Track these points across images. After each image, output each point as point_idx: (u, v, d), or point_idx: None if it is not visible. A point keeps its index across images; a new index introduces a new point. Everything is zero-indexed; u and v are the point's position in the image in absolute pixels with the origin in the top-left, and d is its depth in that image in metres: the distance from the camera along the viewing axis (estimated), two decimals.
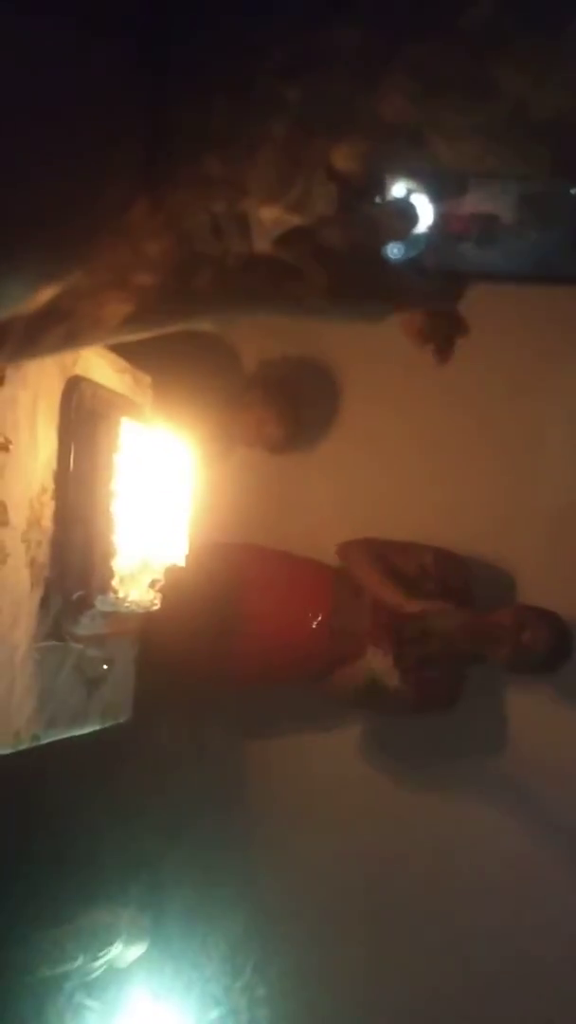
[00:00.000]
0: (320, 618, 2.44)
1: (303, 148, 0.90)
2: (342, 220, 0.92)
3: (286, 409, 2.62)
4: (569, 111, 0.87)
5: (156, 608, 1.96)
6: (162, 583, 1.96)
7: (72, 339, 1.07)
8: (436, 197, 0.91)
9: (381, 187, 0.90)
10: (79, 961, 2.23)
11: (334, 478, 2.78)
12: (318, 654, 2.43)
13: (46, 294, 0.96)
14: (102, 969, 2.27)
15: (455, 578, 2.46)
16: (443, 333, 2.26)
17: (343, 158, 0.90)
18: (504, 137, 0.89)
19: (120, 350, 1.96)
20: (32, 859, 2.27)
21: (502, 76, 0.86)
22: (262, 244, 0.94)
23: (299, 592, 2.49)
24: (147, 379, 2.10)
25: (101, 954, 2.27)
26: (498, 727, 2.64)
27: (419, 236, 0.93)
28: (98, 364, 1.89)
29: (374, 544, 2.49)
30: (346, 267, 0.97)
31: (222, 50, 0.89)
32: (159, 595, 1.96)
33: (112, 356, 1.95)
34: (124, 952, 2.32)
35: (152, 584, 1.96)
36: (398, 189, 0.91)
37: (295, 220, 0.93)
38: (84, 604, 1.87)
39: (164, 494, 1.96)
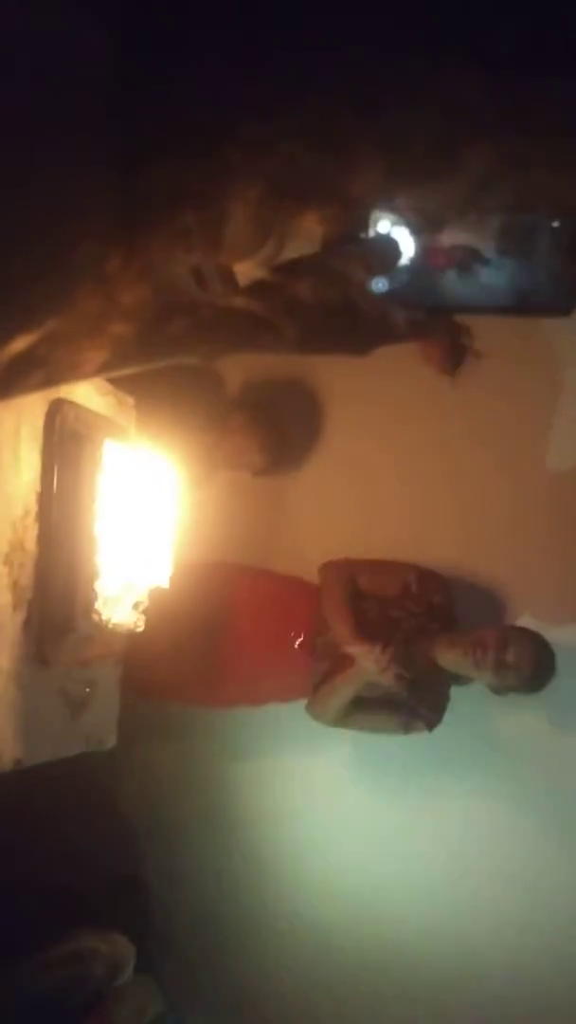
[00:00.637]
0: (302, 637, 2.43)
1: (276, 210, 0.91)
2: (315, 276, 0.94)
3: (269, 435, 2.63)
4: (531, 195, 0.89)
5: (140, 630, 1.95)
6: (146, 605, 1.95)
7: (50, 382, 1.08)
8: (414, 232, 0.92)
9: (354, 242, 0.92)
10: (65, 985, 2.21)
11: (319, 499, 2.79)
12: (301, 673, 2.43)
13: (22, 342, 0.97)
14: (87, 994, 2.25)
15: (438, 597, 2.46)
16: (456, 362, 2.40)
17: (314, 220, 0.92)
18: (466, 211, 0.91)
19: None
20: (16, 883, 2.25)
21: (470, 155, 0.87)
22: (237, 299, 0.96)
23: (281, 610, 2.48)
24: (130, 400, 2.10)
25: (86, 978, 2.25)
26: (485, 744, 2.64)
27: (400, 270, 0.94)
28: (81, 386, 1.89)
29: (352, 566, 2.48)
30: (316, 320, 0.99)
31: (195, 120, 0.91)
32: (143, 616, 1.95)
33: (96, 379, 1.95)
34: (109, 976, 2.30)
35: (136, 606, 1.95)
36: (380, 225, 0.93)
37: (269, 277, 0.94)
38: (68, 626, 1.86)
39: (148, 515, 1.96)
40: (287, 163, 0.89)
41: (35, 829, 2.36)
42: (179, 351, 1.07)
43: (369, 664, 2.27)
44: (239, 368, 2.76)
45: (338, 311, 0.97)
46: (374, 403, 2.74)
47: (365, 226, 0.91)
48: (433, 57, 0.84)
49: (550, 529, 2.65)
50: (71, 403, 1.83)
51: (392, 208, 0.91)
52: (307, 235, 0.92)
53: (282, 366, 2.75)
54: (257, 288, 0.95)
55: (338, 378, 2.76)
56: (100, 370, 1.05)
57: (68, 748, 1.94)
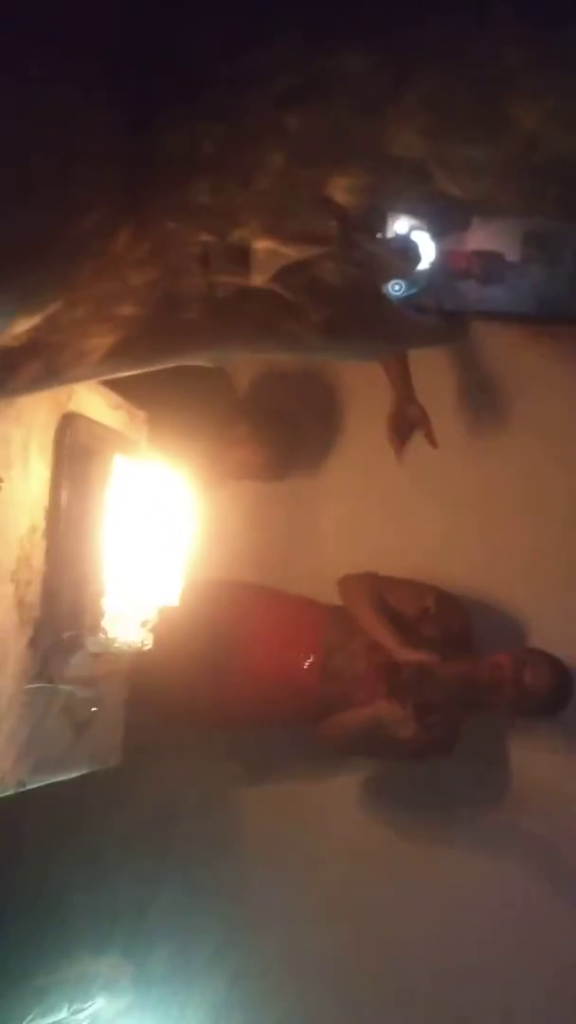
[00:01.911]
0: (312, 659, 2.38)
1: (302, 179, 0.86)
2: (341, 255, 0.88)
3: (277, 446, 2.60)
4: None
5: (147, 648, 1.91)
6: (154, 623, 1.91)
7: (53, 375, 1.03)
8: (439, 234, 0.88)
9: (382, 222, 0.87)
10: (63, 1013, 2.16)
11: (334, 513, 2.75)
12: (311, 695, 2.38)
13: (23, 325, 0.92)
14: (86, 1021, 2.20)
15: (455, 623, 2.42)
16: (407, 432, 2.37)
17: (343, 191, 0.86)
18: (513, 174, 0.85)
19: (114, 385, 1.94)
20: (13, 909, 2.20)
21: (515, 111, 0.82)
22: (257, 278, 0.91)
23: (291, 631, 2.44)
24: (142, 415, 2.08)
25: (85, 1005, 2.20)
26: (498, 771, 2.58)
27: (421, 274, 0.90)
28: (92, 400, 1.86)
29: (376, 580, 2.45)
30: (345, 304, 0.93)
31: (214, 76, 0.85)
32: (151, 635, 1.91)
33: (106, 391, 1.92)
34: (108, 1002, 2.25)
35: (143, 624, 1.92)
36: (400, 226, 0.89)
37: (292, 254, 0.89)
38: (74, 645, 1.83)
39: (158, 532, 1.92)
40: (314, 123, 0.83)
41: (32, 851, 2.32)
42: (192, 345, 1.02)
43: (393, 720, 2.22)
44: (249, 368, 2.73)
45: (365, 296, 0.92)
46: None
47: (398, 197, 0.86)
48: (479, 9, 0.78)
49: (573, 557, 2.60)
50: (82, 417, 1.80)
51: (424, 191, 0.86)
52: (335, 208, 0.86)
53: (295, 368, 2.71)
54: (279, 267, 0.90)
55: (355, 384, 2.72)
56: (106, 360, 1.00)
57: (72, 768, 1.90)
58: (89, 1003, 2.18)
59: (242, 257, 0.90)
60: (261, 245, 0.90)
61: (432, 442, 2.46)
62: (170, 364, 1.07)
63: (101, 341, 0.98)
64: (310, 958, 2.58)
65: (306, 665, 2.39)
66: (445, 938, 2.55)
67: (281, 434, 2.65)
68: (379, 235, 0.89)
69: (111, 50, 0.83)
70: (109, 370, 1.04)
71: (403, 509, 2.70)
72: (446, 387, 2.62)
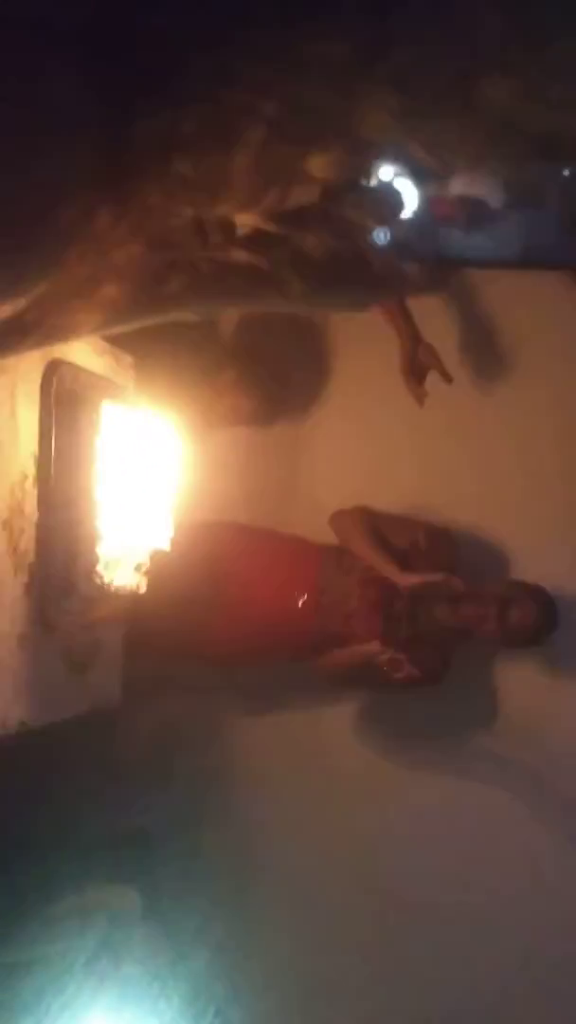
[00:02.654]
0: (307, 596, 2.42)
1: (279, 155, 0.86)
2: (321, 229, 0.89)
3: (263, 393, 2.60)
4: (558, 126, 0.83)
5: (142, 591, 1.94)
6: (148, 566, 1.94)
7: (40, 346, 1.04)
8: (421, 182, 0.88)
9: (360, 190, 0.87)
10: (73, 940, 2.24)
11: (325, 453, 2.76)
12: (306, 632, 2.42)
13: (9, 309, 0.93)
14: (97, 948, 2.28)
15: (444, 555, 2.45)
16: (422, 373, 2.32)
17: (321, 167, 0.87)
18: (490, 149, 0.85)
19: None
20: (21, 841, 2.27)
21: (488, 90, 0.82)
22: (238, 251, 0.91)
23: (285, 570, 2.47)
24: (129, 359, 2.07)
25: (93, 932, 2.28)
26: (488, 697, 2.64)
27: (404, 221, 0.90)
28: (78, 346, 1.86)
29: (368, 513, 2.48)
30: (323, 274, 0.94)
31: (191, 62, 0.85)
32: (145, 578, 1.94)
33: (93, 338, 1.91)
34: (118, 930, 2.33)
35: (138, 567, 1.94)
36: (384, 173, 0.88)
37: (270, 227, 0.90)
38: (69, 589, 1.86)
39: (149, 476, 1.93)
40: (290, 104, 0.84)
41: (42, 785, 2.38)
42: (177, 309, 1.03)
43: (383, 661, 2.26)
44: (234, 315, 2.70)
45: (346, 264, 0.93)
46: (383, 351, 2.66)
47: (373, 172, 0.87)
48: None
49: (563, 489, 2.62)
50: (68, 364, 1.80)
51: (402, 153, 0.86)
52: (312, 183, 0.87)
53: (281, 314, 2.68)
54: (260, 240, 0.91)
55: (344, 324, 2.70)
56: (94, 331, 1.01)
57: (73, 709, 1.95)
58: (98, 930, 2.26)
59: (224, 231, 0.90)
60: (242, 220, 0.90)
61: (446, 378, 2.41)
62: (155, 323, 1.08)
63: (87, 317, 0.98)
64: (310, 882, 2.67)
65: (301, 603, 2.43)
66: (440, 859, 2.64)
67: (269, 380, 2.64)
68: (365, 181, 0.89)
69: (90, 38, 0.82)
70: (97, 333, 1.05)
71: (392, 450, 2.71)
72: (439, 331, 2.59)
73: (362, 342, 2.69)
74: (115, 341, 1.99)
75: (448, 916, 2.61)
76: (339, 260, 0.94)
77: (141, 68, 0.85)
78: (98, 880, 2.32)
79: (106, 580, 1.87)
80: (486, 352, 2.63)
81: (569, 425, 2.63)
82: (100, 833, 2.50)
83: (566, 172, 0.91)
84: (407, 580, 2.33)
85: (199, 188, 0.89)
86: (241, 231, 0.91)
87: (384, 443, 2.72)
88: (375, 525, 2.45)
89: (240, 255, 0.92)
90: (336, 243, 0.93)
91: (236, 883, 2.69)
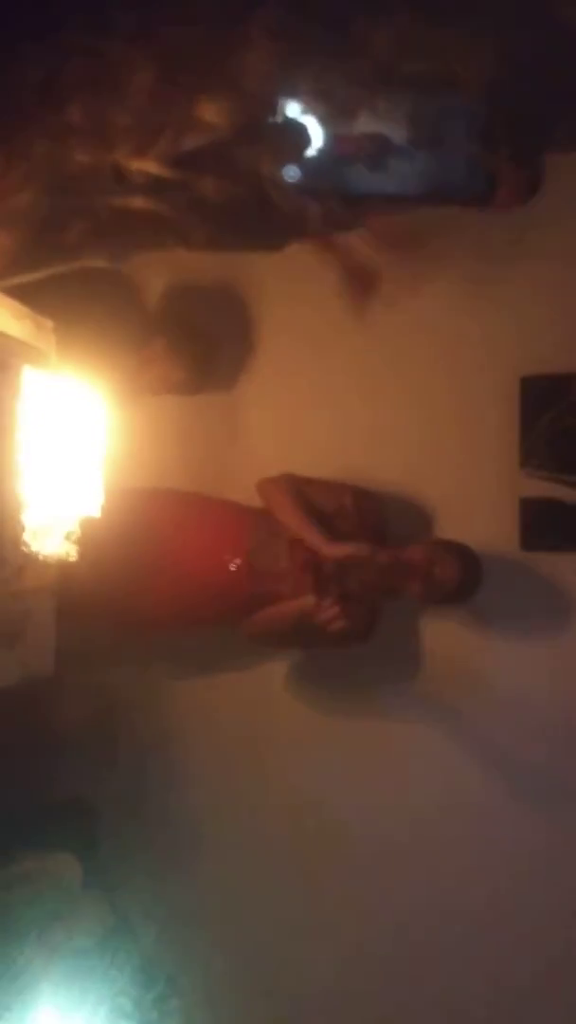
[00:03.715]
0: (239, 560, 2.43)
1: (167, 102, 0.86)
2: (216, 171, 0.89)
3: (192, 363, 2.59)
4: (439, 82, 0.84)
5: (72, 559, 1.93)
6: (77, 534, 1.92)
7: None
8: (321, 122, 0.88)
9: (257, 132, 0.87)
10: (16, 908, 2.23)
11: (252, 419, 2.76)
12: (238, 595, 2.43)
13: None
14: (48, 919, 2.28)
15: (371, 517, 2.49)
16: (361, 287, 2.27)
17: (211, 112, 0.87)
18: (374, 90, 0.86)
19: (19, 295, 1.89)
20: None
21: (366, 36, 0.83)
22: (136, 197, 0.91)
23: (216, 534, 2.48)
24: (49, 324, 2.03)
25: (36, 900, 2.27)
26: (414, 651, 2.69)
27: (306, 160, 0.90)
28: None
29: (294, 480, 2.49)
30: (225, 218, 0.94)
31: (66, 10, 0.84)
32: (75, 546, 1.92)
33: (11, 302, 1.88)
34: (64, 901, 2.33)
35: (68, 535, 1.92)
36: (289, 110, 0.88)
37: (166, 172, 0.90)
38: None
39: (74, 444, 1.91)
40: (172, 53, 0.84)
41: None
42: (80, 256, 1.02)
43: (318, 615, 2.28)
44: (159, 281, 2.67)
45: (247, 207, 0.93)
46: (310, 310, 2.65)
47: (269, 114, 0.87)
48: None
49: (486, 447, 2.66)
50: None
51: (296, 95, 0.87)
52: (207, 127, 0.87)
53: (207, 270, 2.67)
54: (157, 187, 0.90)
55: (269, 291, 2.69)
56: None
57: (4, 679, 1.93)
58: (40, 897, 2.25)
59: (121, 177, 0.90)
60: (138, 166, 0.90)
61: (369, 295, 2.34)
62: (59, 271, 1.07)
63: None
64: (253, 844, 2.70)
65: (232, 567, 2.43)
66: (382, 803, 2.68)
67: (198, 349, 2.63)
68: (261, 125, 0.89)
69: None
70: None
71: (314, 412, 2.72)
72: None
73: (289, 308, 2.69)
74: (35, 306, 1.95)
75: (393, 867, 2.66)
76: (241, 203, 0.94)
77: (21, 21, 0.84)
78: (37, 849, 2.31)
79: (34, 549, 1.85)
80: (413, 304, 2.61)
81: (495, 382, 2.66)
82: (35, 803, 2.49)
83: (468, 109, 0.93)
84: (332, 551, 2.35)
85: (89, 134, 0.89)
86: (136, 178, 0.91)
87: (311, 409, 2.73)
88: (302, 491, 2.46)
89: (139, 201, 0.92)
90: (236, 187, 0.93)
91: (180, 851, 2.70)
